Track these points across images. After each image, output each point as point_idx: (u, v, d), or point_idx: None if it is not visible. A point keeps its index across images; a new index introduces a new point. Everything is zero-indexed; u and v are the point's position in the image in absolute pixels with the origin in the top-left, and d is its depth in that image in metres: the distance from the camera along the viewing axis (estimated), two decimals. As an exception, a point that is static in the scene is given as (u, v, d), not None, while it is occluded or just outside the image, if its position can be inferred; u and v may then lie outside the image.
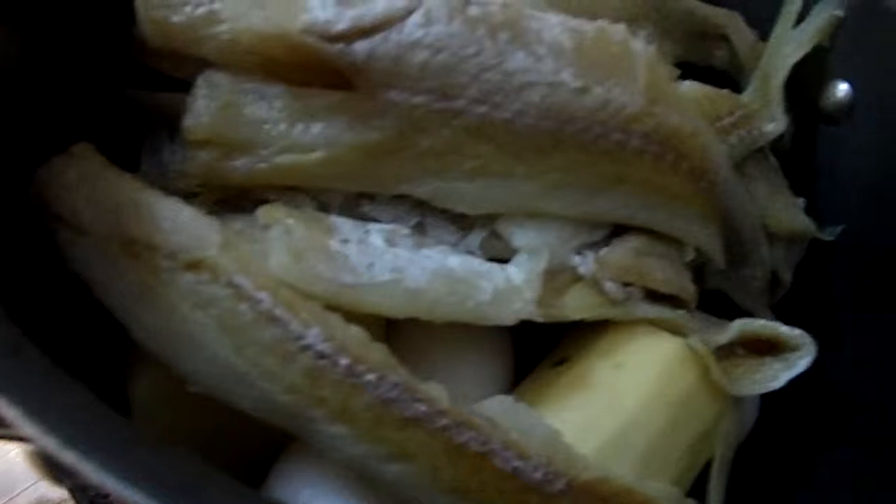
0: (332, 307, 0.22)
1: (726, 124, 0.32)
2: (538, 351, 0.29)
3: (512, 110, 0.24)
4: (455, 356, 0.25)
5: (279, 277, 0.21)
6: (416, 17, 0.24)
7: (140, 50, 0.28)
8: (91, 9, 0.30)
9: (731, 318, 0.34)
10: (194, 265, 0.21)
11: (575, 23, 0.25)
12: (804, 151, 0.35)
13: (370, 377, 0.20)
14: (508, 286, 0.24)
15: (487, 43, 0.24)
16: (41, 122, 0.28)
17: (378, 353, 0.21)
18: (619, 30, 0.26)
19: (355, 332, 0.21)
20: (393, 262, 0.23)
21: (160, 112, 0.32)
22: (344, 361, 0.20)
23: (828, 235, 0.34)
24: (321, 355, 0.20)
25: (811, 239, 0.34)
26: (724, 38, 0.37)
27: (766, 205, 0.33)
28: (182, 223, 0.22)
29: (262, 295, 0.21)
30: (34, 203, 0.24)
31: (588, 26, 0.25)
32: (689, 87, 0.33)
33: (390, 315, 0.23)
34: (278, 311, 0.21)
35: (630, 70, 0.25)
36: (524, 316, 0.24)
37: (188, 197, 0.27)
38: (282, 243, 0.22)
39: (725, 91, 0.34)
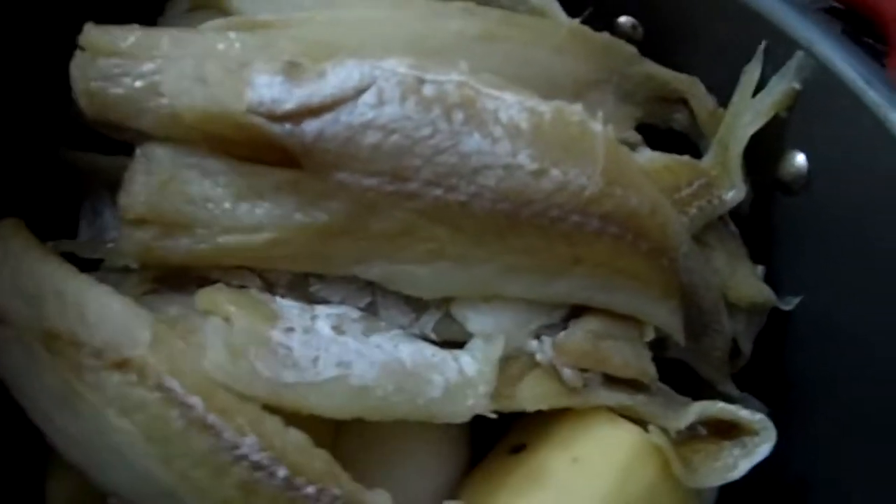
0: (271, 408, 0.20)
1: (686, 195, 0.31)
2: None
3: (467, 193, 0.23)
4: (406, 454, 0.24)
5: (214, 378, 0.20)
6: (367, 97, 0.23)
7: (79, 112, 0.27)
8: (26, 67, 0.29)
9: (692, 380, 0.34)
10: (121, 364, 0.20)
11: (532, 102, 0.25)
12: (763, 219, 0.35)
13: (310, 490, 0.19)
14: (461, 379, 0.23)
15: (442, 124, 0.23)
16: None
17: (319, 460, 0.20)
18: (576, 110, 0.25)
19: (295, 438, 0.20)
20: (339, 354, 0.22)
21: (101, 174, 0.30)
22: (282, 473, 0.19)
23: (786, 305, 0.34)
24: (257, 466, 0.19)
25: (770, 308, 0.34)
26: (684, 103, 0.37)
27: (726, 275, 0.33)
28: (110, 317, 0.21)
29: (194, 399, 0.19)
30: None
31: (545, 106, 0.25)
32: (650, 157, 0.33)
33: (335, 416, 0.21)
34: (211, 419, 0.19)
35: (588, 151, 0.25)
36: (477, 411, 0.23)
37: (126, 271, 0.25)
38: (218, 338, 0.21)
39: (685, 158, 0.34)
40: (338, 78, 0.23)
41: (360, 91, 0.23)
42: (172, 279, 0.25)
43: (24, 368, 0.21)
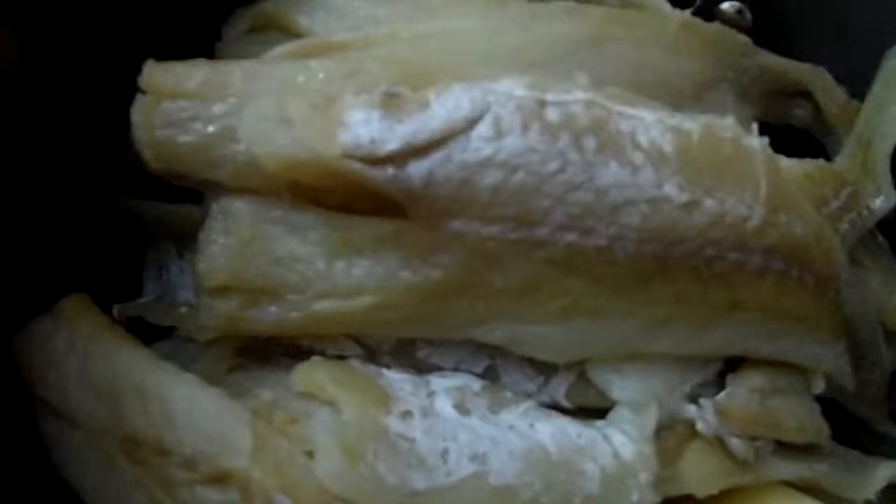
0: (399, 521, 0.17)
1: (835, 210, 0.27)
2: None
3: (607, 236, 0.19)
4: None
5: (332, 491, 0.17)
6: (482, 129, 0.19)
7: (138, 160, 0.23)
8: (76, 108, 0.26)
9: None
10: (219, 478, 0.16)
11: (675, 119, 0.21)
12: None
13: None
14: (618, 466, 0.19)
15: (573, 155, 0.19)
16: (25, 246, 0.24)
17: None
18: (728, 125, 0.21)
19: (436, 563, 0.16)
20: (471, 443, 0.18)
21: (165, 225, 0.27)
22: None
23: (954, 328, 0.29)
24: None
25: (935, 333, 0.29)
26: (807, 96, 0.32)
27: (882, 297, 0.28)
28: (201, 417, 0.17)
29: (312, 522, 0.16)
30: (11, 381, 0.19)
31: (691, 123, 0.21)
32: (786, 165, 0.28)
33: (477, 527, 0.18)
34: (334, 546, 0.16)
35: (747, 174, 0.21)
36: (642, 507, 0.19)
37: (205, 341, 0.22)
38: (329, 436, 0.17)
39: (823, 163, 0.29)
40: (445, 108, 0.19)
41: (472, 122, 0.19)
42: (258, 349, 0.22)
43: (101, 481, 0.18)
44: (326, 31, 0.26)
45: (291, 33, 0.27)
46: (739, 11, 0.34)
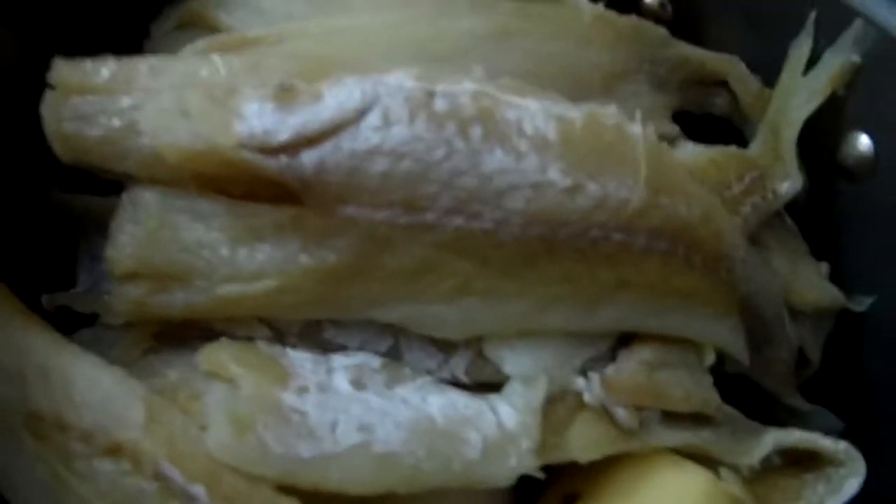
0: (287, 488, 0.18)
1: (737, 193, 0.28)
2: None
3: (493, 219, 0.21)
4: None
5: (219, 459, 0.18)
6: (371, 119, 0.20)
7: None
8: (7, 104, 0.27)
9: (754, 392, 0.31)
10: (113, 450, 0.17)
11: (560, 108, 0.22)
12: (823, 210, 0.32)
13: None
14: (500, 435, 0.20)
15: (458, 143, 0.20)
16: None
17: (346, 548, 0.17)
18: (611, 113, 0.22)
19: (317, 525, 0.17)
20: (361, 416, 0.19)
21: (95, 218, 0.28)
22: (304, 570, 0.17)
23: (857, 306, 0.30)
24: (275, 563, 0.17)
25: (840, 310, 0.30)
26: (724, 85, 0.34)
27: (788, 277, 0.29)
28: (98, 394, 0.18)
29: (197, 489, 0.17)
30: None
31: (575, 111, 0.22)
32: (692, 152, 0.29)
33: (360, 492, 0.19)
34: (218, 510, 0.17)
35: (628, 159, 0.22)
36: (522, 471, 0.20)
37: (124, 327, 0.23)
38: (221, 411, 0.18)
39: (732, 150, 0.30)
40: (336, 100, 0.20)
41: (362, 113, 0.20)
42: (173, 334, 0.23)
43: (8, 458, 0.18)
44: (245, 27, 0.27)
45: (215, 30, 0.28)
46: (662, 4, 0.35)
